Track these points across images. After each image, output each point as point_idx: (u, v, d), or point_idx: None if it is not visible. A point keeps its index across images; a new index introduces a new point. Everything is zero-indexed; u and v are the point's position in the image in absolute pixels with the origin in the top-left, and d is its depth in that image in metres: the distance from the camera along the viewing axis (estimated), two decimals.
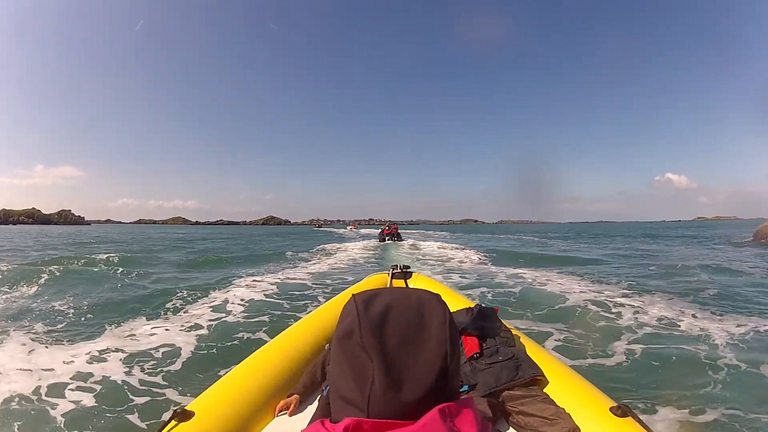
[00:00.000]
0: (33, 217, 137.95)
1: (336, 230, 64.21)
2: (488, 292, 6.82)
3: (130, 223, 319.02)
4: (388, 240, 24.51)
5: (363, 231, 56.49)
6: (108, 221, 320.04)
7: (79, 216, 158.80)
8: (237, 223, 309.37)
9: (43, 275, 8.15)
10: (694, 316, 5.08)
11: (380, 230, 28.16)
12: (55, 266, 9.40)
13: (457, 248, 18.31)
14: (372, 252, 17.35)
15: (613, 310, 5.37)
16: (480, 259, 13.68)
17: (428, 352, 0.53)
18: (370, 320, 0.55)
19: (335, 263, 12.44)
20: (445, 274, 9.16)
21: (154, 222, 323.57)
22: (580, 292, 6.61)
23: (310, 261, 13.46)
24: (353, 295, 0.60)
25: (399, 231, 26.46)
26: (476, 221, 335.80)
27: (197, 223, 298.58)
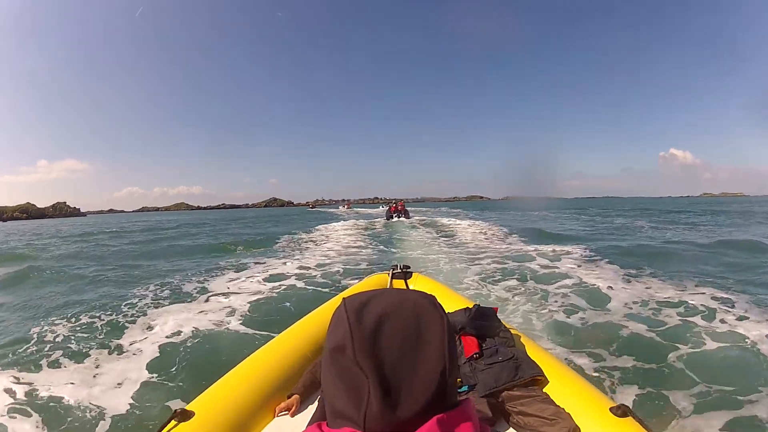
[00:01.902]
0: (28, 212, 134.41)
1: (329, 210, 61.70)
2: None
3: (133, 211, 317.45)
4: (396, 218, 23.43)
5: (359, 210, 53.12)
6: (111, 211, 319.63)
7: (75, 208, 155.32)
8: (239, 207, 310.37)
9: None
10: None
11: (387, 208, 27.34)
12: None
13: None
14: (370, 247, 11.45)
15: None
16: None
17: (426, 367, 0.50)
18: (363, 332, 0.50)
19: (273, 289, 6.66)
20: None
21: (157, 209, 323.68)
22: None
23: (236, 273, 7.91)
24: (344, 300, 0.55)
25: (407, 208, 25.61)
26: (482, 197, 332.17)
27: (199, 208, 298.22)
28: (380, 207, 57.33)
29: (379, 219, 24.76)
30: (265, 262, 8.80)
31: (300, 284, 6.52)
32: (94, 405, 2.93)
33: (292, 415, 1.62)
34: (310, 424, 0.66)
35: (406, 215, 24.31)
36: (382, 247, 11.70)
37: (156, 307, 5.27)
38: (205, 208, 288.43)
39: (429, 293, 0.58)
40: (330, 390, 0.54)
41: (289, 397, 1.69)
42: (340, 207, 65.24)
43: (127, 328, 4.49)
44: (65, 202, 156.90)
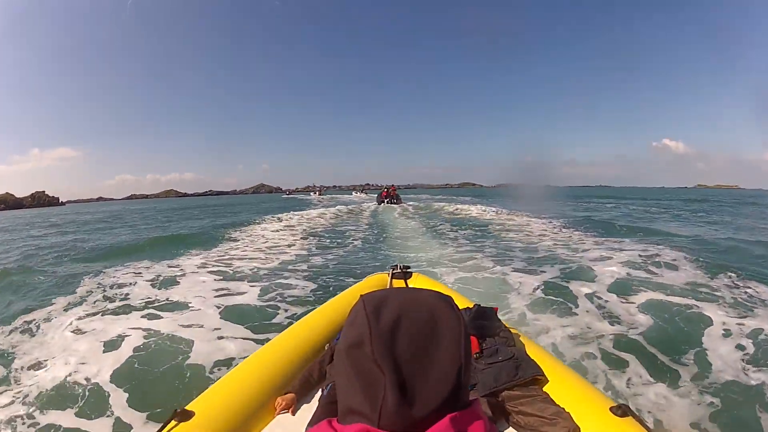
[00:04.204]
0: (6, 202, 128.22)
1: (301, 197, 60.00)
2: None
3: (121, 199, 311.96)
4: (387, 203, 23.02)
5: (332, 197, 51.04)
6: (100, 199, 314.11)
7: (54, 197, 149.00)
8: (227, 193, 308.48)
9: None
10: None
11: (378, 193, 27.28)
12: None
13: None
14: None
15: None
16: None
17: (442, 365, 0.51)
18: (381, 331, 0.51)
19: None
20: None
21: (146, 197, 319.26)
22: None
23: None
24: (362, 297, 0.56)
25: (398, 194, 25.31)
26: (474, 185, 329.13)
27: (186, 195, 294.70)
28: (352, 193, 54.92)
29: (350, 207, 22.05)
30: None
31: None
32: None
33: (293, 414, 1.62)
34: (311, 423, 0.69)
35: (398, 200, 23.74)
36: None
37: None
38: (192, 195, 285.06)
39: (446, 294, 0.58)
40: (344, 386, 0.53)
41: (284, 394, 1.69)
42: (312, 194, 63.78)
43: None
44: (44, 191, 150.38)
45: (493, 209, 17.76)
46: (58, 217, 32.38)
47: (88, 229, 18.31)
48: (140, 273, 6.52)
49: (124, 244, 11.33)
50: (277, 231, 12.08)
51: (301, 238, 10.51)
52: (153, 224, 19.23)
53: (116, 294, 5.44)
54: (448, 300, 0.56)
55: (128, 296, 5.31)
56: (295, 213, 18.66)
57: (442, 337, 0.52)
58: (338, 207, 22.57)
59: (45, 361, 3.50)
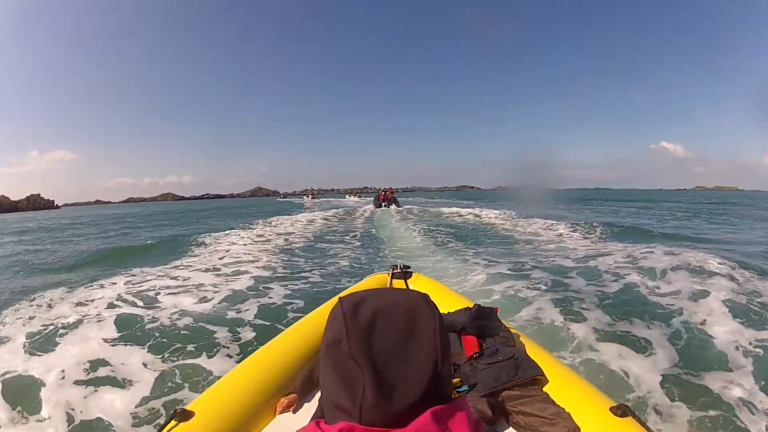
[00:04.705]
0: (1, 205, 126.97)
1: (295, 201, 60.21)
2: None
3: (118, 202, 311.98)
4: (385, 206, 22.98)
5: (322, 200, 50.60)
6: (98, 202, 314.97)
7: (49, 200, 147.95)
8: (224, 196, 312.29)
9: None
10: None
11: (376, 196, 27.12)
12: None
13: None
14: None
15: None
16: None
17: (418, 359, 0.52)
18: (358, 327, 0.52)
19: None
20: None
21: (144, 200, 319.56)
22: None
23: None
24: (340, 299, 0.57)
25: (396, 197, 25.64)
26: (473, 187, 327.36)
27: (183, 198, 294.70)
28: (347, 197, 54.01)
29: (342, 213, 20.49)
30: None
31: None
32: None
33: (294, 412, 1.59)
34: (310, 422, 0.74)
35: (396, 203, 23.85)
36: None
37: None
38: (189, 198, 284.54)
39: (423, 292, 0.58)
40: (327, 385, 0.54)
41: (287, 395, 1.66)
42: (305, 198, 63.57)
43: None
44: (39, 195, 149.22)
45: (505, 214, 16.19)
46: (38, 222, 31.69)
47: (49, 238, 16.78)
48: (33, 315, 4.68)
49: (65, 260, 9.94)
50: (246, 244, 10.27)
51: (272, 253, 8.60)
52: (119, 233, 17.93)
53: None
54: (424, 297, 0.57)
55: None
56: (281, 218, 17.75)
57: (418, 332, 0.52)
58: (330, 212, 21.00)
59: None
